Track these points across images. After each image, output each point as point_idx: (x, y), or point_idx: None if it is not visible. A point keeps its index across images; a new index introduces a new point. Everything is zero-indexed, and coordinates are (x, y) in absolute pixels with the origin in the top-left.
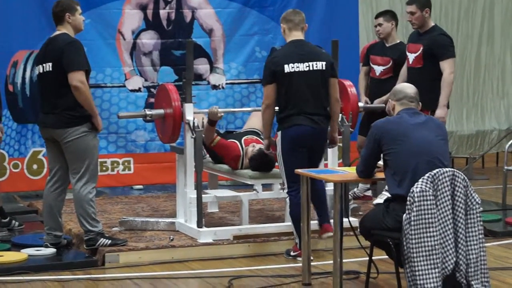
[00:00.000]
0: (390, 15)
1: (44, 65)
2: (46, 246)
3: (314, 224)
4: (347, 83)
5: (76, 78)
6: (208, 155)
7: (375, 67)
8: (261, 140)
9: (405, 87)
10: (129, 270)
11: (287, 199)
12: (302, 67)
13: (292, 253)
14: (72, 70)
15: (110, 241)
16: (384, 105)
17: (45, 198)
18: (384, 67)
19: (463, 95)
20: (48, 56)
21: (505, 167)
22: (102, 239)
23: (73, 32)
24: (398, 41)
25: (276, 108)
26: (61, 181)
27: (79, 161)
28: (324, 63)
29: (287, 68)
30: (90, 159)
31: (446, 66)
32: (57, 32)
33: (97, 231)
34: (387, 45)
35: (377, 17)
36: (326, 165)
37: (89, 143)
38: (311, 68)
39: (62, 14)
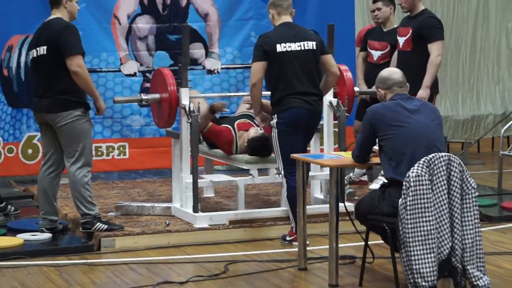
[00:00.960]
0: None
1: (38, 49)
2: (42, 231)
3: (310, 208)
4: (343, 67)
5: (75, 63)
6: (204, 142)
7: (373, 52)
8: (254, 124)
9: (391, 73)
10: (125, 255)
11: (284, 182)
12: (294, 46)
13: (288, 238)
14: (70, 55)
15: (106, 226)
16: None
17: (40, 182)
18: (381, 52)
19: (459, 79)
20: (43, 40)
21: (501, 152)
22: (98, 223)
23: (68, 17)
24: (395, 26)
25: (268, 93)
26: (56, 165)
27: (73, 144)
28: (314, 42)
29: (279, 47)
30: (85, 142)
31: (433, 48)
32: (52, 16)
33: (93, 215)
34: (384, 30)
35: (375, 1)
36: (322, 150)
37: (83, 127)
38: (302, 48)
39: None
